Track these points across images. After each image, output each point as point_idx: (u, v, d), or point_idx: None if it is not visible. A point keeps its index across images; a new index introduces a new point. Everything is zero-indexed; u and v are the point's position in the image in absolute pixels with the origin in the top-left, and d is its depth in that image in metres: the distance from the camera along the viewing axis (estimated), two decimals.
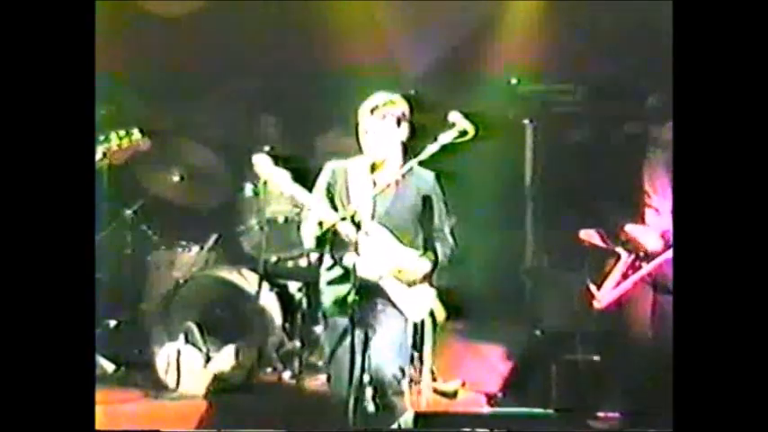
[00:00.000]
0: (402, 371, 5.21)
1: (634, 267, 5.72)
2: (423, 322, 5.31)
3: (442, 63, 7.56)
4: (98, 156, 5.48)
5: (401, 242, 5.24)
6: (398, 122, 5.18)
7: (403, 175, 5.20)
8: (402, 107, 5.24)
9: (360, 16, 7.50)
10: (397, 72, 7.32)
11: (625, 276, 5.75)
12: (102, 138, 5.52)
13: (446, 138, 4.99)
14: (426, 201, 5.28)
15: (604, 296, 5.76)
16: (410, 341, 5.33)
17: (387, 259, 5.19)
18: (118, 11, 7.12)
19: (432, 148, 5.04)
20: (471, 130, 4.96)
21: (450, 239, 5.35)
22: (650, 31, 6.88)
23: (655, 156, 6.24)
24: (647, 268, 5.68)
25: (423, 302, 5.27)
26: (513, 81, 7.04)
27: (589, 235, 5.95)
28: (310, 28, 7.55)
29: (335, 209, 5.28)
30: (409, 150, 5.31)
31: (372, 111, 5.21)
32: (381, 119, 5.19)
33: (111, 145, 5.45)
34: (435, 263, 5.30)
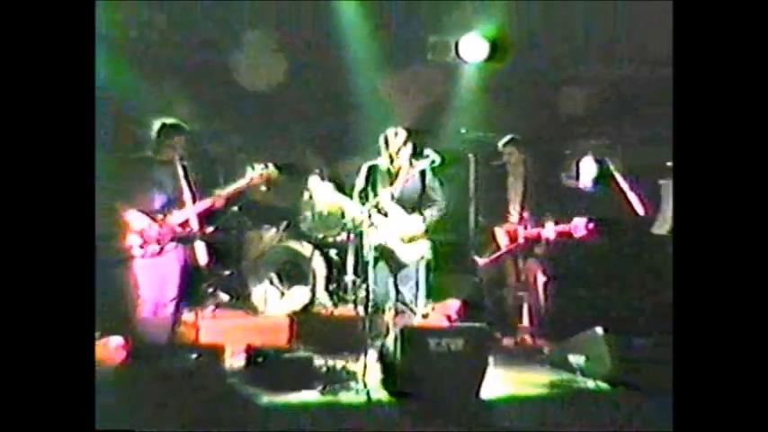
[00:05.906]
0: (404, 303, 6.61)
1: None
2: (417, 270, 6.56)
3: (423, 114, 8.29)
4: (243, 183, 6.00)
5: (410, 212, 6.59)
6: (405, 144, 6.60)
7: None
8: (404, 135, 6.63)
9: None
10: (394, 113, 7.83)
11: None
12: (245, 169, 6.04)
13: (421, 164, 6.38)
14: (423, 177, 6.57)
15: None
16: (412, 284, 6.56)
17: (399, 226, 6.54)
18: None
19: (412, 171, 6.48)
20: (438, 160, 6.32)
21: (441, 199, 6.58)
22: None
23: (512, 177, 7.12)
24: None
25: (418, 251, 6.64)
26: (463, 130, 7.68)
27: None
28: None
29: (367, 197, 6.42)
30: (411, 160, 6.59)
31: (388, 141, 6.61)
32: (396, 147, 6.57)
33: (253, 175, 6.12)
34: (430, 223, 6.50)
